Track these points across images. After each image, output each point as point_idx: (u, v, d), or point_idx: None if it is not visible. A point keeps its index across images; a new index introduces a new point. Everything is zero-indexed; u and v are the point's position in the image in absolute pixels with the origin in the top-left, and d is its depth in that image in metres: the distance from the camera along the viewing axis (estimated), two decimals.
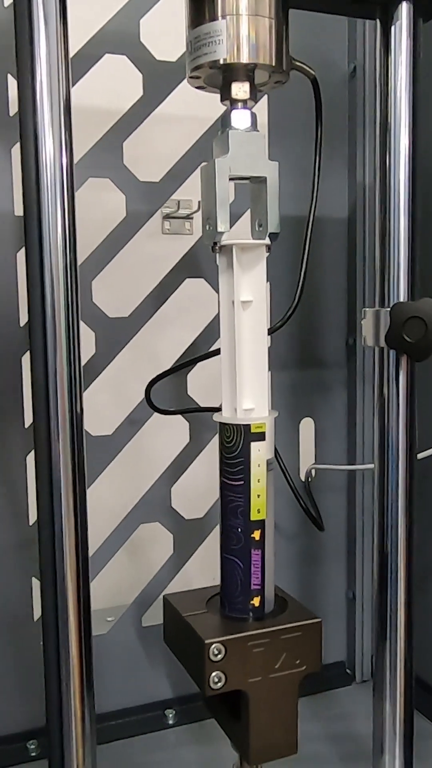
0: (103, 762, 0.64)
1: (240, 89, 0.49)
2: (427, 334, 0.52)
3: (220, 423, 0.52)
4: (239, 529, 0.52)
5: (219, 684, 0.49)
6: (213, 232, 0.50)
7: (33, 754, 0.70)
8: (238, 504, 0.52)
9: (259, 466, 0.51)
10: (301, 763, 0.69)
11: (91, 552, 0.52)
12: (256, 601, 0.53)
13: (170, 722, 0.75)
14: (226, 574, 0.53)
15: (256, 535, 0.52)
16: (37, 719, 0.61)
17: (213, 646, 0.48)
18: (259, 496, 0.52)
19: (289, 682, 0.51)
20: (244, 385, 0.52)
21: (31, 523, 0.69)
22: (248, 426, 0.51)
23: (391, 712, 0.60)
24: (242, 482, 0.52)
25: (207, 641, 0.48)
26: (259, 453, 0.51)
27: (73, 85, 0.64)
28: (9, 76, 0.64)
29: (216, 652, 0.48)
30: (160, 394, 0.71)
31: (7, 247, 0.67)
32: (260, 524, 0.52)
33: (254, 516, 0.52)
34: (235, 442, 0.52)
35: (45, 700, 0.51)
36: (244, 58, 0.48)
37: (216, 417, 0.53)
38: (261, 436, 0.51)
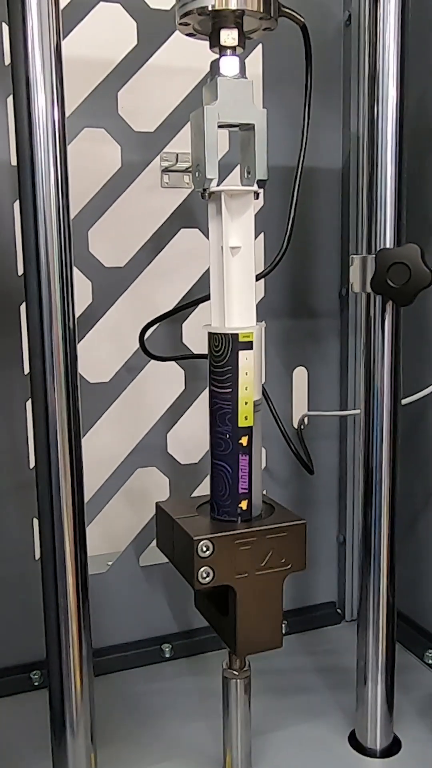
0: (104, 691, 0.68)
1: (228, 36, 0.50)
2: (410, 279, 0.53)
3: (210, 333, 0.53)
4: (227, 435, 0.53)
5: (207, 579, 0.51)
6: (202, 179, 0.50)
7: (36, 683, 0.73)
8: (227, 411, 0.53)
9: (246, 374, 0.52)
10: (292, 692, 0.73)
11: (89, 495, 0.54)
12: (243, 505, 0.54)
13: (167, 656, 0.78)
14: (215, 478, 0.55)
15: (244, 441, 0.53)
16: (40, 651, 0.64)
17: (201, 542, 0.51)
18: (246, 403, 0.53)
19: (274, 579, 0.53)
20: (232, 303, 0.52)
21: (31, 467, 0.71)
22: (236, 335, 0.52)
23: (374, 645, 0.63)
24: (230, 390, 0.53)
25: (196, 538, 0.51)
26: (247, 361, 0.52)
27: (68, 34, 0.64)
28: (4, 24, 0.64)
29: (204, 548, 0.51)
30: (156, 343, 0.73)
31: (5, 197, 0.68)
32: (248, 431, 0.53)
33: (242, 423, 0.53)
34: (224, 351, 0.52)
35: (44, 633, 0.53)
36: (232, 5, 0.48)
37: (205, 327, 0.54)
38: (249, 345, 0.52)
